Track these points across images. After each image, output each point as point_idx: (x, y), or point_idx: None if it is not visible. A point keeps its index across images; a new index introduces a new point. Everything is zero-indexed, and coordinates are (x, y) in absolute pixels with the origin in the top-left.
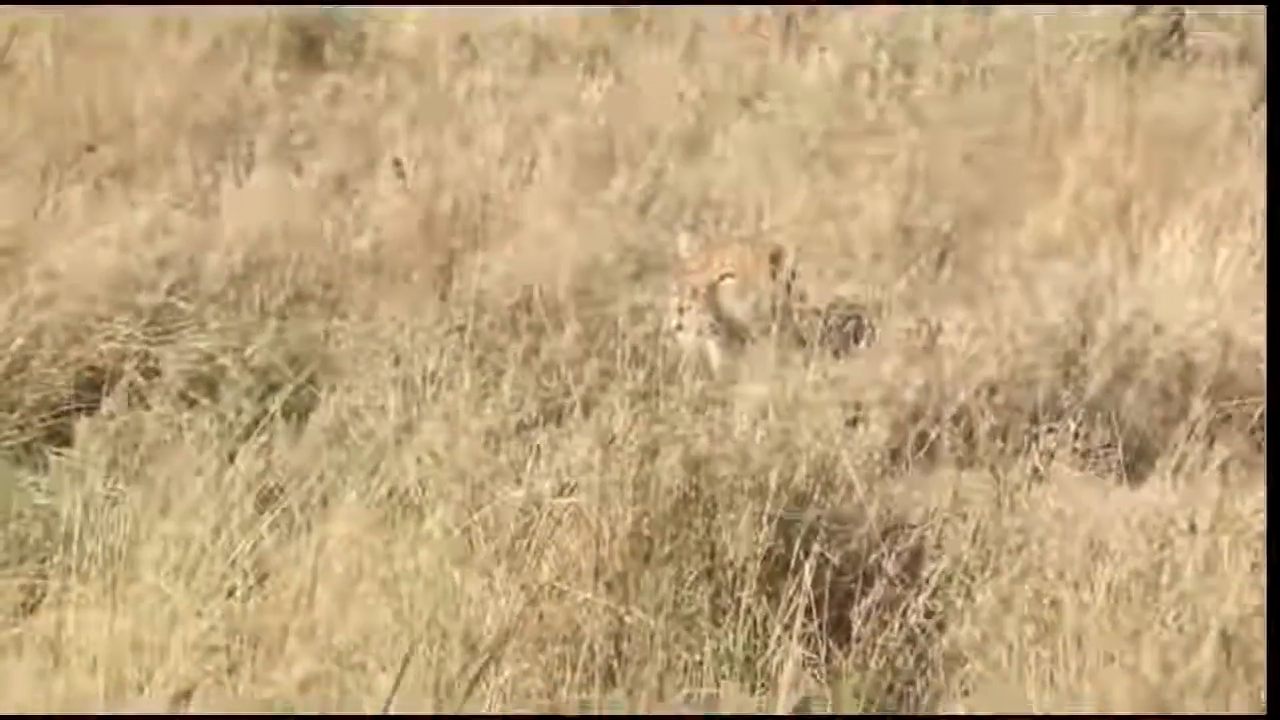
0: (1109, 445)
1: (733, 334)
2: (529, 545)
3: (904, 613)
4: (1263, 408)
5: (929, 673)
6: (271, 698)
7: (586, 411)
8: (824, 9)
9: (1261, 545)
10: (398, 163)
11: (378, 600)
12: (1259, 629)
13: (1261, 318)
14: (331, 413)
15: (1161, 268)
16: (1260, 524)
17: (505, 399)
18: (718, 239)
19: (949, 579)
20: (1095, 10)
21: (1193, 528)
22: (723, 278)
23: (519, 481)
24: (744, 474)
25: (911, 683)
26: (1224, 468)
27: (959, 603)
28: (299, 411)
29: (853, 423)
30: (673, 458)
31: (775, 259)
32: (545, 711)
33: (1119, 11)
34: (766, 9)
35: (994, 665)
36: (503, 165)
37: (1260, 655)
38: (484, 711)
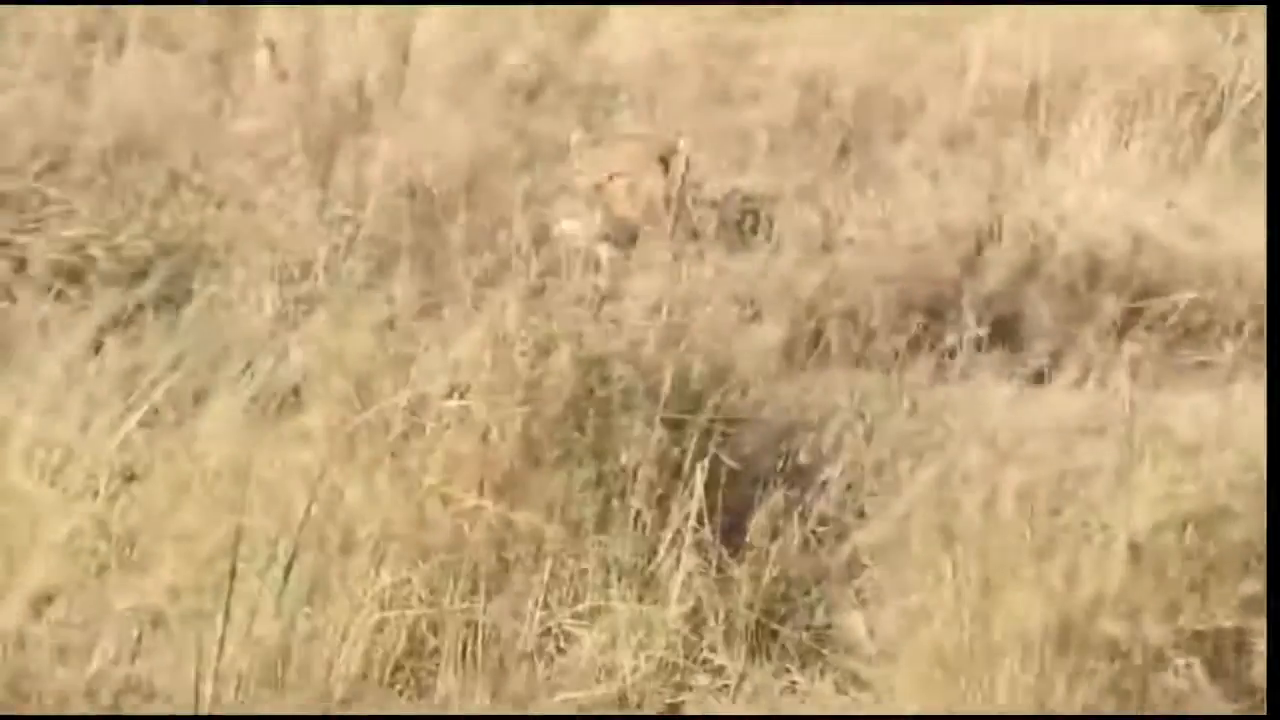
0: (1014, 344)
1: (625, 231)
2: (414, 446)
3: (800, 518)
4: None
5: (825, 582)
6: (138, 604)
7: (476, 305)
8: None
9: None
10: (270, 45)
11: (253, 501)
12: (1171, 540)
13: (1175, 212)
14: (205, 304)
15: (1070, 158)
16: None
17: (392, 292)
18: (609, 136)
19: (848, 485)
20: None
21: (1102, 431)
22: (612, 178)
23: (406, 379)
24: (637, 374)
25: (807, 592)
26: (1134, 368)
27: (859, 506)
28: (172, 303)
29: (749, 319)
30: (565, 357)
31: (667, 156)
32: (428, 620)
33: None
34: None
35: (894, 573)
36: (383, 48)
37: (1173, 569)
38: (365, 617)
